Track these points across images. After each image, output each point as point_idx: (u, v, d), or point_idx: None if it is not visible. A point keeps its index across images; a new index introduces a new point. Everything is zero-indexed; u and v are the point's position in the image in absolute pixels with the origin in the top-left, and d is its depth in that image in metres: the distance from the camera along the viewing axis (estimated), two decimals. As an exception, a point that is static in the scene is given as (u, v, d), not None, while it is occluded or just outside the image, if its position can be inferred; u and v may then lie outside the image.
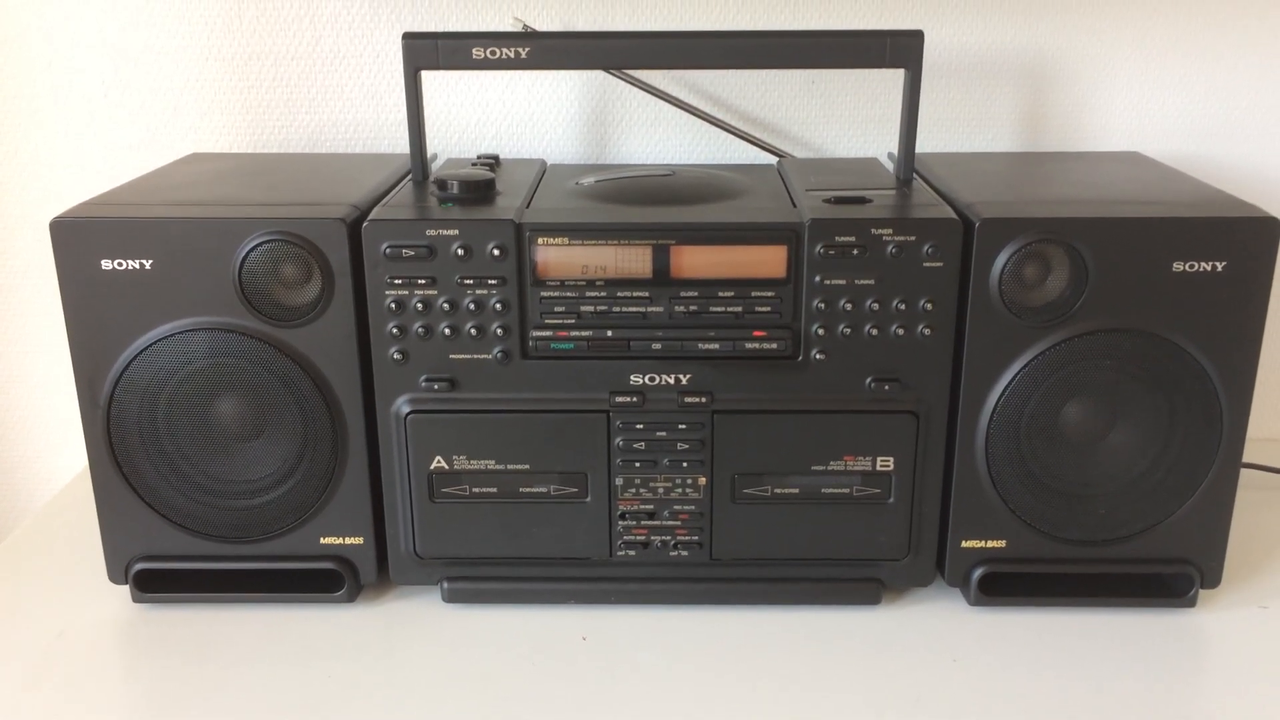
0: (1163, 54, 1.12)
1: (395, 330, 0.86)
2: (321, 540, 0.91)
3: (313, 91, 1.14)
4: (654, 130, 1.15)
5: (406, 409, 0.87)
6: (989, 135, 1.15)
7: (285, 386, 0.87)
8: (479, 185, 0.90)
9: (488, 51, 0.89)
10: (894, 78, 1.12)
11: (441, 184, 0.90)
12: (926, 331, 0.85)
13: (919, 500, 0.89)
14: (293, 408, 0.88)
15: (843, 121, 1.15)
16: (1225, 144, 1.14)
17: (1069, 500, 0.89)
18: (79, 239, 0.84)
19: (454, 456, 0.89)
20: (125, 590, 0.92)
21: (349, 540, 0.92)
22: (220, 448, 0.89)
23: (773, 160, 1.11)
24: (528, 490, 0.90)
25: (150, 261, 0.85)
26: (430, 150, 1.13)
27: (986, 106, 1.14)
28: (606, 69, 1.08)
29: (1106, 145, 1.15)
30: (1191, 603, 0.91)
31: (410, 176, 0.95)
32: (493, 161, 1.02)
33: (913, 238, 0.83)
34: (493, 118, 1.15)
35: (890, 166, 1.01)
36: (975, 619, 0.90)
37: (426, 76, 1.11)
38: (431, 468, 0.89)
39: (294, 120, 1.15)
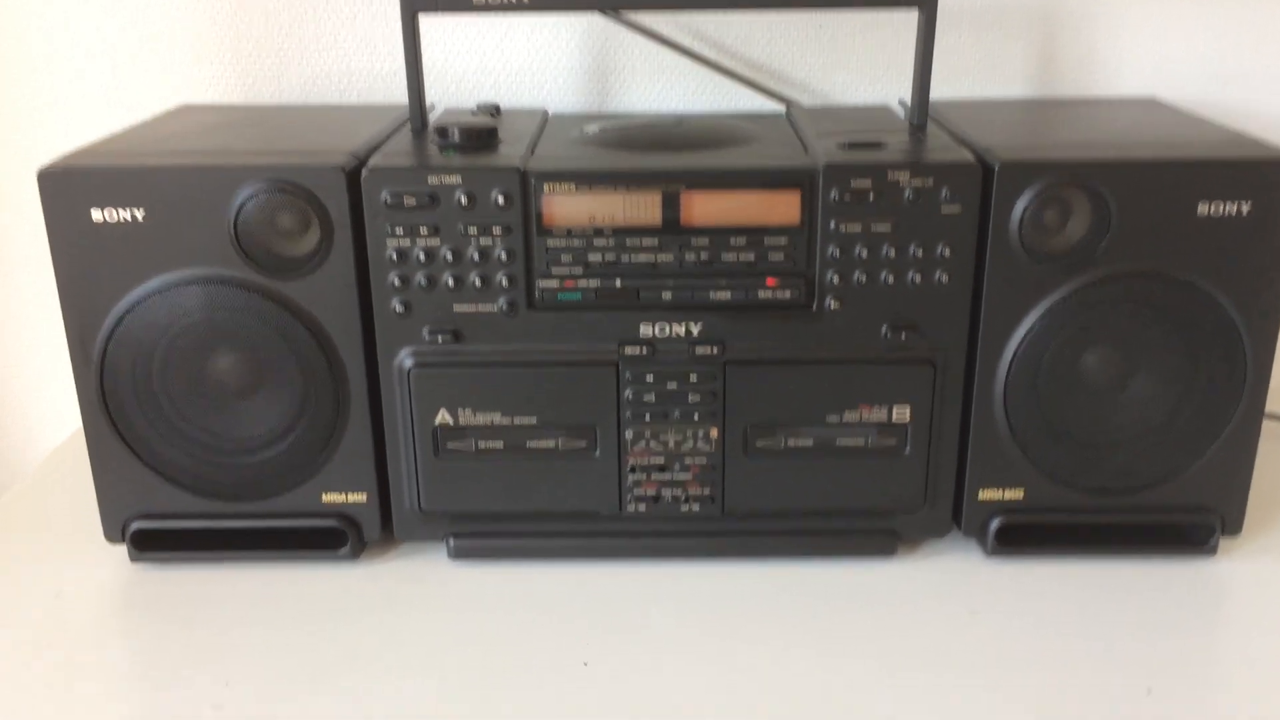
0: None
1: (397, 281, 0.83)
2: (323, 497, 0.89)
3: (305, 41, 1.11)
4: (657, 79, 1.12)
5: (409, 362, 0.85)
6: (1001, 82, 1.12)
7: (284, 340, 0.85)
8: (481, 133, 0.87)
9: (487, -7, 0.86)
10: (905, 23, 1.09)
11: (442, 131, 0.87)
12: (944, 278, 0.83)
13: (935, 451, 0.87)
14: (292, 362, 0.85)
15: (852, 68, 1.12)
16: (1247, 89, 1.11)
17: (1088, 449, 0.87)
18: (68, 189, 0.82)
19: (459, 410, 0.87)
20: (122, 550, 0.90)
21: (351, 497, 0.89)
22: (218, 404, 0.87)
23: (781, 108, 1.08)
24: (535, 444, 0.87)
25: (142, 212, 0.82)
26: (428, 100, 1.11)
27: (999, 52, 1.11)
28: (606, 10, 1.05)
29: (1122, 91, 1.12)
30: (1212, 551, 0.89)
31: (409, 126, 0.92)
32: (493, 110, 0.99)
33: (930, 182, 0.81)
34: (490, 68, 1.12)
35: (902, 113, 0.98)
36: (992, 571, 0.89)
37: (423, 23, 1.08)
38: (436, 422, 0.87)
39: (286, 71, 1.12)
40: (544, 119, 1.01)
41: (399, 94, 1.09)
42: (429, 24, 1.10)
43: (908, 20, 1.09)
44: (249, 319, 0.84)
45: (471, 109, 1.01)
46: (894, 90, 1.12)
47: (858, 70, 1.12)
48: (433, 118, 1.00)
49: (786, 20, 1.10)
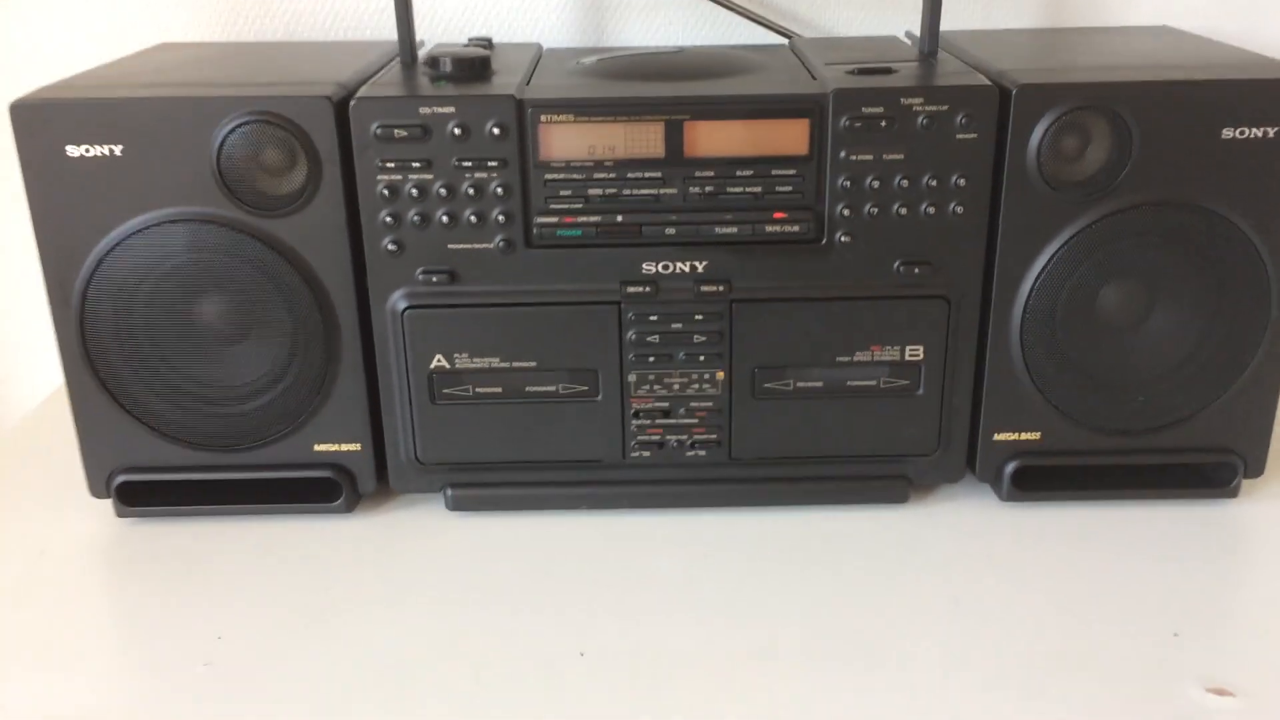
0: (1193, -77, 1.06)
1: (388, 219, 0.80)
2: (316, 447, 0.86)
3: (288, -24, 1.06)
4: (654, 13, 1.08)
5: (403, 304, 0.82)
6: (1007, 12, 1.09)
7: (272, 282, 0.81)
8: (474, 63, 0.83)
9: (479, -83, 0.82)
10: (911, -50, 1.05)
11: (433, 62, 0.83)
12: (959, 210, 0.80)
13: (949, 392, 0.85)
14: (280, 305, 0.82)
15: (855, 2, 1.08)
16: (1262, 19, 1.08)
17: (1107, 389, 0.85)
18: (42, 123, 0.78)
19: (455, 355, 0.83)
20: (108, 505, 0.87)
21: (345, 447, 0.86)
22: (204, 350, 0.83)
23: (783, 42, 1.04)
24: (534, 389, 0.84)
25: (120, 147, 0.78)
26: (417, 38, 1.07)
27: (1009, -19, 1.08)
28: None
29: (1131, 22, 1.08)
30: (1234, 493, 0.87)
31: (398, 60, 0.88)
32: (486, 43, 0.95)
33: (945, 107, 0.78)
34: (480, 5, 1.08)
35: (910, 44, 0.94)
36: (1008, 515, 0.86)
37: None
38: (431, 367, 0.84)
39: (268, 8, 1.08)
40: (539, 52, 0.97)
41: (387, 32, 1.05)
42: (417, -42, 1.06)
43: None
44: (235, 260, 0.81)
45: (463, 44, 0.96)
46: (898, 24, 1.08)
47: (861, 4, 1.08)
48: (422, 54, 0.96)
49: (788, -49, 1.07)
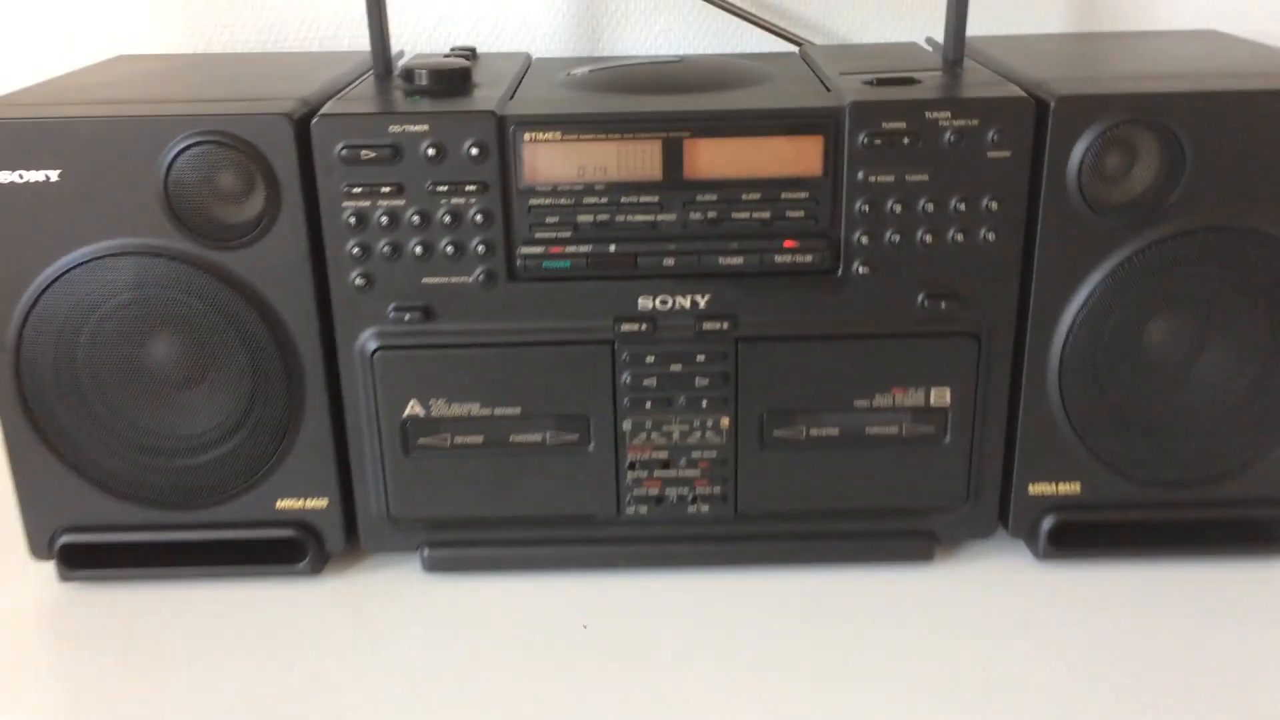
0: (1237, -80, 0.98)
1: (356, 250, 0.72)
2: (278, 504, 0.79)
3: (258, -17, 0.99)
4: (654, 20, 1.00)
5: (373, 345, 0.74)
6: (1036, 19, 1.00)
7: (227, 321, 0.74)
8: (452, 75, 0.75)
9: (457, -84, 0.74)
10: (932, -49, 0.97)
11: (408, 74, 0.76)
12: (990, 236, 0.72)
13: (980, 439, 0.77)
14: (238, 347, 0.74)
15: (871, 6, 1.00)
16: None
17: (1156, 436, 0.77)
18: (-32, 147, 0.70)
19: (431, 400, 0.75)
20: (50, 567, 0.81)
21: (311, 503, 0.79)
22: (155, 396, 0.76)
23: (793, 50, 0.96)
24: (519, 438, 0.77)
25: (57, 172, 0.71)
26: (395, 48, 0.99)
27: (1036, -16, 1.00)
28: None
29: (1170, 25, 1.00)
30: (1297, 551, 0.79)
31: (372, 72, 0.80)
32: (468, 53, 0.87)
33: (975, 122, 0.70)
34: (466, 10, 1.00)
35: (932, 52, 0.86)
36: (1045, 575, 0.79)
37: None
38: (405, 414, 0.76)
39: (238, 16, 1.00)
40: (526, 63, 0.89)
41: (367, 41, 0.97)
42: (396, -37, 0.98)
43: (935, -51, 0.97)
44: (186, 297, 0.73)
45: (444, 54, 0.88)
46: (918, 30, 1.00)
47: (877, 7, 1.00)
48: (400, 65, 0.88)
49: (798, -47, 0.99)
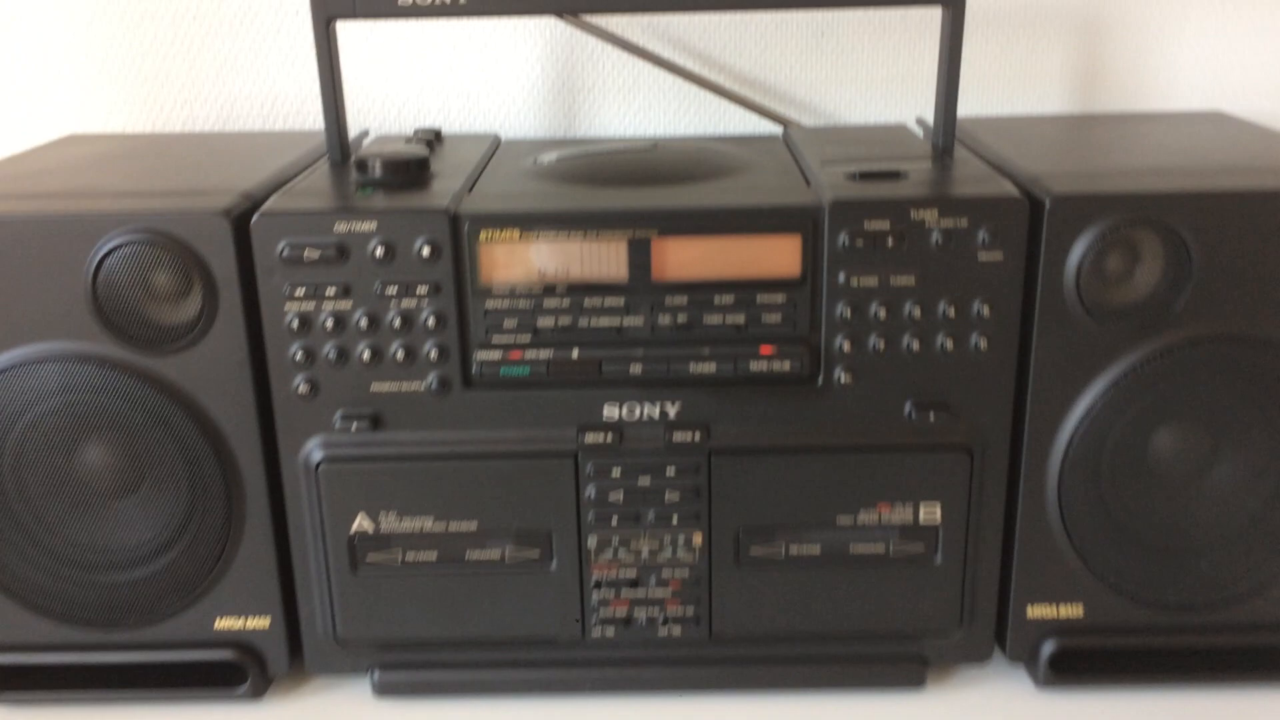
0: (1241, -3, 0.94)
1: (300, 355, 0.67)
2: (217, 623, 0.74)
3: (220, 57, 0.95)
4: (632, 97, 0.96)
5: (318, 456, 0.69)
6: (1035, 97, 0.96)
7: (163, 429, 0.69)
8: (408, 165, 0.71)
9: (416, -4, 0.70)
10: (920, 26, 0.94)
11: (362, 165, 0.71)
12: (982, 344, 0.66)
13: (973, 558, 0.72)
14: (173, 455, 0.69)
15: (860, 82, 0.96)
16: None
17: (1164, 554, 0.72)
18: (-120, 246, 0.65)
19: (380, 515, 0.70)
20: (-30, 689, 0.73)
21: (252, 622, 0.73)
22: (85, 508, 0.71)
23: (777, 130, 0.91)
24: (476, 555, 0.71)
25: (-23, 272, 0.66)
26: (361, 126, 0.95)
27: (1033, 61, 0.96)
28: (564, 14, 0.88)
29: (1175, 105, 0.96)
30: (1319, 679, 0.73)
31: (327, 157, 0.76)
32: (431, 137, 0.82)
33: (964, 222, 0.65)
34: (438, 88, 0.96)
35: (921, 135, 0.82)
36: (1045, 704, 0.74)
37: (356, 37, 0.93)
38: (353, 530, 0.70)
39: (199, 93, 0.96)
40: (494, 146, 0.85)
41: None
42: (362, 38, 0.94)
43: (923, 25, 0.92)
44: (119, 403, 0.68)
45: (409, 136, 0.84)
46: (908, 106, 0.95)
47: (867, 84, 0.96)
48: (365, 146, 0.84)
49: (782, 25, 0.94)
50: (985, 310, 0.66)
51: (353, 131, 0.84)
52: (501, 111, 0.96)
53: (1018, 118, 0.90)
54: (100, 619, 0.73)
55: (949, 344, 0.67)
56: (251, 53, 0.95)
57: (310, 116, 0.97)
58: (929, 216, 0.65)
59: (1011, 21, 0.94)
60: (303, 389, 0.68)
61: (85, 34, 0.93)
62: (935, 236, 0.65)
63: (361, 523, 0.70)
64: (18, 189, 0.71)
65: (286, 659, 0.74)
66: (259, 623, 0.73)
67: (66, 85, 0.95)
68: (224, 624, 0.73)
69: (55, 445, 0.69)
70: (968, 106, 0.95)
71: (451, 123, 0.96)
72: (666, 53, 0.94)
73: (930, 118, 0.78)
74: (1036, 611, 0.73)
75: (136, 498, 0.70)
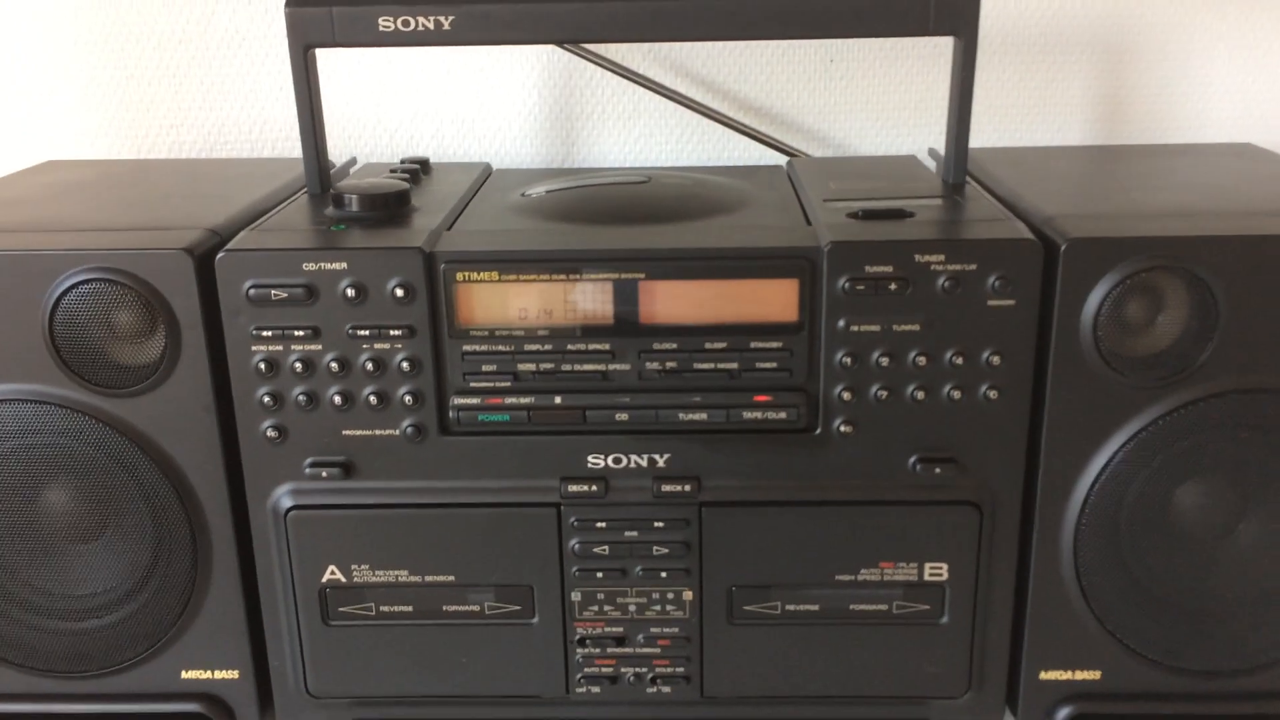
0: (1274, 22, 0.88)
1: (267, 398, 0.64)
2: (184, 674, 0.71)
3: (207, 82, 0.92)
4: (633, 125, 0.92)
5: (288, 503, 0.66)
6: (1054, 126, 0.92)
7: (126, 474, 0.66)
8: (386, 200, 0.67)
9: (398, 22, 0.67)
10: (934, 52, 0.89)
11: (338, 199, 0.67)
12: (992, 394, 0.62)
13: (982, 619, 0.68)
14: (138, 501, 0.66)
15: (869, 110, 0.92)
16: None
17: (1185, 616, 0.67)
18: None
19: (353, 566, 0.67)
20: (-75, 742, 0.70)
21: (220, 674, 0.70)
22: (47, 553, 0.68)
23: (782, 160, 0.87)
24: (454, 609, 0.67)
25: (-69, 311, 0.63)
26: (350, 153, 0.91)
27: (1052, 89, 0.92)
28: (561, 43, 0.84)
29: (1202, 137, 0.91)
30: (1354, 754, 0.68)
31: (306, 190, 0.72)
32: (417, 167, 0.79)
33: (973, 266, 0.61)
34: (430, 114, 0.92)
35: (933, 166, 0.78)
36: None
37: (347, 62, 0.90)
38: (324, 580, 0.67)
39: (185, 119, 0.93)
40: (484, 176, 0.81)
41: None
42: (354, 62, 0.91)
43: (938, 52, 0.88)
44: (79, 447, 0.65)
45: (395, 165, 0.81)
46: (921, 136, 0.91)
47: (877, 112, 0.92)
48: (351, 174, 0.81)
49: (789, 51, 0.90)
50: (995, 359, 0.62)
51: (341, 159, 0.81)
52: (496, 139, 0.93)
53: (1035, 149, 0.86)
54: (63, 667, 0.70)
55: (956, 394, 0.63)
56: (239, 77, 0.92)
57: (298, 142, 0.93)
58: (935, 260, 0.61)
59: (1030, 48, 0.90)
60: (270, 434, 0.64)
61: (69, 57, 0.90)
62: (942, 281, 0.61)
63: (332, 573, 0.67)
64: (-24, 221, 0.68)
65: (257, 712, 0.71)
66: (227, 674, 0.70)
67: (50, 109, 0.92)
68: (191, 675, 0.70)
69: (15, 488, 0.66)
70: (983, 136, 0.91)
71: (445, 150, 0.93)
72: (668, 80, 0.90)
73: (942, 147, 0.74)
74: (1050, 675, 0.68)
75: (100, 544, 0.67)
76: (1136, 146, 0.89)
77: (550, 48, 0.90)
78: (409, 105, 0.92)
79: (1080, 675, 0.68)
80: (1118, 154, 0.84)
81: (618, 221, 0.67)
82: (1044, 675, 0.68)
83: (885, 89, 0.91)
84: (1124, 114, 0.91)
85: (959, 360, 0.62)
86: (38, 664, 0.69)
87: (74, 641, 0.69)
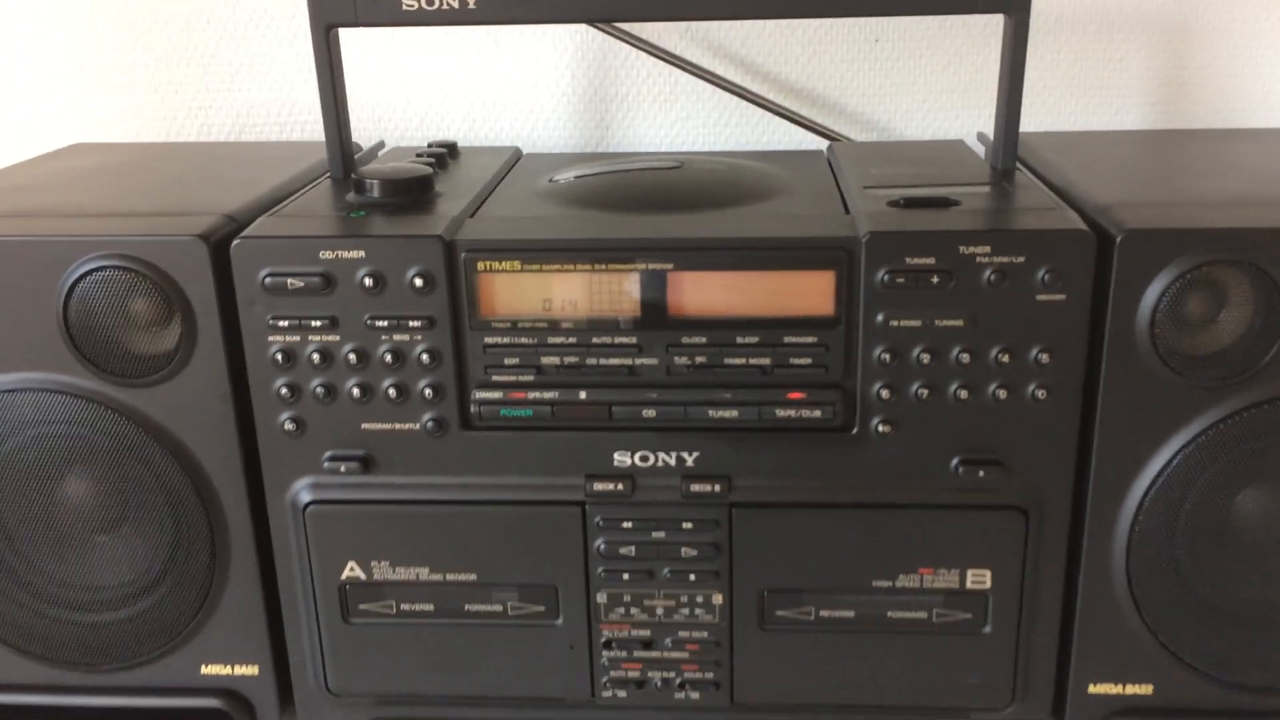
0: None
1: (285, 390, 0.62)
2: (203, 669, 0.69)
3: (235, 64, 0.90)
4: (668, 108, 0.89)
5: (306, 498, 0.64)
6: (1110, 109, 0.88)
7: (143, 466, 0.64)
8: (408, 185, 0.65)
9: (422, 1, 0.64)
10: (984, 31, 0.85)
11: (359, 184, 0.65)
12: (1040, 394, 0.59)
13: (1027, 629, 0.64)
14: (155, 493, 0.65)
15: (915, 93, 0.89)
16: None
17: (1245, 630, 0.64)
18: None
19: (373, 562, 0.65)
20: (-56, 733, 0.69)
21: (240, 669, 0.69)
22: (65, 544, 0.67)
23: (823, 145, 0.84)
24: (476, 608, 0.65)
25: (-54, 299, 0.62)
26: (377, 136, 0.89)
27: (1108, 71, 0.87)
28: (591, 22, 0.82)
29: (1269, 121, 0.87)
30: None
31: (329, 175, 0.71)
32: (444, 151, 0.77)
33: (1021, 259, 0.57)
34: (460, 96, 0.90)
35: (981, 152, 0.74)
36: None
37: (375, 42, 0.87)
38: (343, 577, 0.65)
39: (213, 100, 0.91)
40: (512, 160, 0.79)
41: (356, 126, 0.87)
42: (382, 42, 0.88)
43: (988, 30, 0.84)
44: (95, 437, 0.64)
45: (419, 150, 0.78)
46: (969, 119, 0.88)
47: (924, 95, 0.88)
48: (378, 158, 0.79)
49: (831, 30, 0.87)
50: (1044, 357, 0.58)
51: (368, 142, 0.79)
52: (528, 122, 0.90)
53: (1089, 133, 0.82)
54: (82, 660, 0.69)
55: (1002, 393, 0.59)
56: (267, 58, 0.90)
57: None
58: (981, 253, 0.57)
59: (1086, 26, 0.86)
60: (288, 426, 0.63)
61: (97, 40, 0.89)
62: (988, 274, 0.57)
63: (352, 570, 0.65)
64: (-7, 207, 0.67)
65: (278, 709, 0.70)
66: (247, 670, 0.69)
67: (79, 92, 0.91)
68: (211, 670, 0.69)
69: (32, 479, 0.65)
70: (1035, 120, 0.87)
71: (475, 133, 0.90)
72: (705, 60, 0.87)
73: (992, 132, 0.70)
74: (1099, 689, 0.65)
75: (120, 533, 0.66)
76: (1199, 131, 0.84)
77: (583, 27, 0.87)
78: (438, 87, 0.90)
79: (1131, 689, 0.65)
80: (1178, 139, 0.80)
81: (647, 209, 0.65)
82: (1093, 688, 0.65)
83: (932, 70, 0.88)
84: (1186, 96, 0.87)
85: (1005, 358, 0.59)
86: (57, 656, 0.69)
87: (93, 634, 0.68)
